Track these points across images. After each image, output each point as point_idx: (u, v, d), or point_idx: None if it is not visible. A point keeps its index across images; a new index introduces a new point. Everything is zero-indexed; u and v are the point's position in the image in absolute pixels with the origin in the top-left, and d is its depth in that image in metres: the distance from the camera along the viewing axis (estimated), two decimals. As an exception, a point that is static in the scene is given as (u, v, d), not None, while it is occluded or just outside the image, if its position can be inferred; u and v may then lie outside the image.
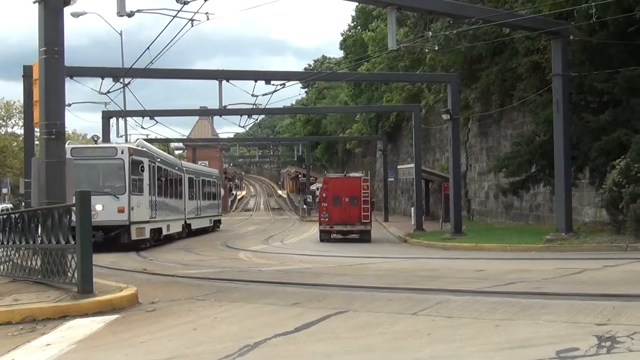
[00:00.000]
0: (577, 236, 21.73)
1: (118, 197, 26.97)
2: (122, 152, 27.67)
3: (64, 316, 9.16)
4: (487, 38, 32.43)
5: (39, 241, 11.93)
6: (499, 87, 35.81)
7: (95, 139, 30.34)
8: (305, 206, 72.78)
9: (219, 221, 51.98)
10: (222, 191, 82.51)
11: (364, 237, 33.45)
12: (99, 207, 25.12)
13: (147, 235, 29.12)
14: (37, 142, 19.26)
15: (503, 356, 5.97)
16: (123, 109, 35.82)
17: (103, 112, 37.71)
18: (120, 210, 26.94)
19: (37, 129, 14.75)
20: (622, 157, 20.49)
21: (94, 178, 26.99)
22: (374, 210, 38.95)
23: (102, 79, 28.08)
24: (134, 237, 27.56)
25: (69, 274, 10.62)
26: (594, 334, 6.40)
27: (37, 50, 12.34)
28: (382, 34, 50.86)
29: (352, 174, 38.82)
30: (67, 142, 26.03)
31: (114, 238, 26.86)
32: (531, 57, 30.49)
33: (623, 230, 20.53)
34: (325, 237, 34.01)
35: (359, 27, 75.20)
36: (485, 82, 36.83)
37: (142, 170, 28.72)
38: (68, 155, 21.86)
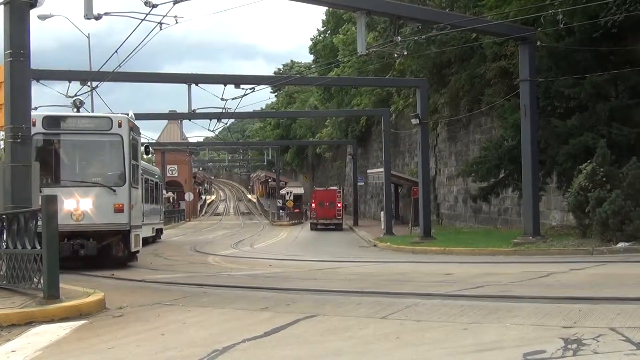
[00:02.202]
0: (544, 240, 21.95)
1: (114, 190, 19.13)
2: (120, 125, 19.52)
3: (29, 322, 9.03)
4: (456, 43, 32.69)
5: (4, 246, 11.76)
6: (467, 92, 36.12)
7: (78, 104, 21.07)
8: (281, 211, 72.13)
9: (161, 230, 42.61)
10: (193, 195, 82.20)
11: (338, 227, 51.36)
12: (86, 205, 18.70)
13: (140, 245, 22.09)
14: (2, 146, 18.55)
15: (471, 359, 6.01)
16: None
17: (70, 115, 37.21)
18: (118, 209, 19.12)
19: (2, 133, 14.53)
20: (589, 161, 20.76)
21: (78, 161, 20.14)
22: (345, 211, 56.12)
23: (70, 82, 27.79)
24: (133, 247, 20.12)
25: (34, 279, 10.48)
26: (560, 336, 6.47)
27: (2, 53, 12.18)
28: (353, 37, 51.01)
29: (331, 188, 57.25)
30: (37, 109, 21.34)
31: (106, 249, 19.55)
32: (499, 63, 30.81)
33: (589, 233, 20.78)
34: (314, 227, 52.23)
35: (329, 32, 75.40)
36: (454, 87, 37.13)
37: (148, 153, 22.52)
38: (39, 128, 18.39)
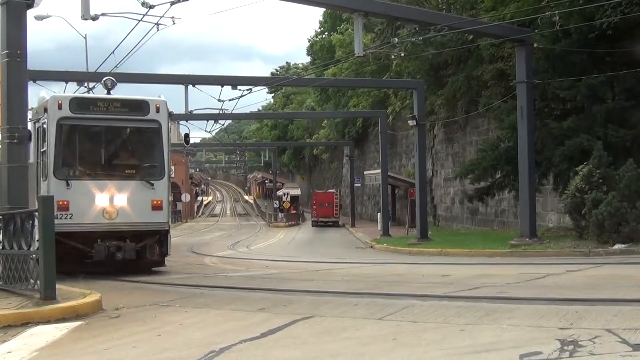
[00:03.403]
0: (540, 241, 21.97)
1: (152, 184, 16.72)
2: (158, 110, 17.01)
3: (26, 323, 9.01)
4: (453, 45, 32.72)
5: (1, 247, 11.74)
6: (464, 94, 36.14)
7: (109, 84, 17.46)
8: (279, 213, 72.10)
9: None
10: (190, 197, 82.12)
11: (335, 224, 59.04)
12: (120, 201, 16.36)
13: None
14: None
15: (467, 360, 6.01)
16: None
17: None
18: (156, 206, 16.78)
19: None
20: (585, 163, 20.79)
21: (110, 150, 17.63)
22: (341, 210, 63.35)
23: (66, 83, 27.76)
24: (169, 249, 17.95)
25: (31, 280, 10.47)
26: (556, 338, 6.47)
27: (-1, 54, 12.17)
28: (350, 37, 51.07)
29: (329, 190, 67.05)
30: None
31: (140, 252, 16.83)
32: (496, 65, 30.84)
33: (585, 235, 20.80)
34: (315, 224, 60.39)
35: (326, 33, 75.42)
36: (451, 88, 37.14)
37: (187, 142, 20.81)
38: (65, 111, 16.07)
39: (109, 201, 16.27)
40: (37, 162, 16.58)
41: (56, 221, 14.67)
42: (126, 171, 17.15)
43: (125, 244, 16.23)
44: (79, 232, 15.89)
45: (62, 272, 13.78)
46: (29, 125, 16.27)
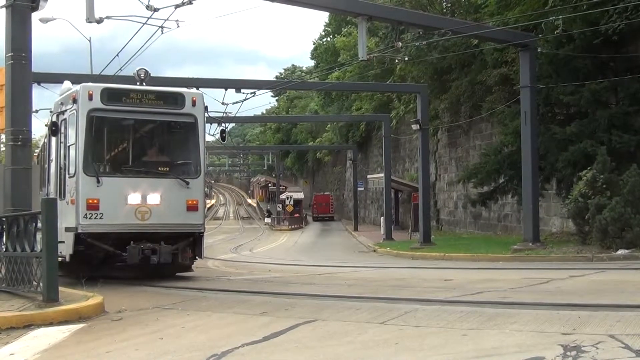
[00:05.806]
0: (544, 246, 21.93)
1: (188, 183, 15.65)
2: (195, 104, 15.95)
3: (28, 325, 9.02)
4: (457, 50, 32.72)
5: (4, 249, 11.76)
6: (468, 98, 36.12)
7: (143, 75, 16.30)
8: (268, 219, 73.45)
9: None
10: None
11: (331, 219, 75.37)
12: (153, 199, 15.30)
13: None
14: (2, 149, 16.63)
15: (470, 365, 6.00)
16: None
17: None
18: (192, 207, 15.69)
19: (2, 135, 14.47)
20: (588, 168, 20.75)
21: (143, 145, 16.69)
22: (334, 208, 78.57)
23: (71, 85, 27.74)
24: (203, 253, 16.71)
25: (34, 282, 10.49)
26: (559, 343, 6.46)
27: (3, 56, 12.21)
28: (355, 40, 51.12)
29: (325, 193, 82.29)
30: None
31: (173, 256, 15.58)
32: (500, 69, 30.82)
33: (589, 240, 20.75)
34: (315, 219, 75.43)
35: (330, 36, 75.57)
36: (455, 93, 37.13)
37: (224, 139, 19.49)
38: (96, 102, 14.96)
39: (142, 200, 15.20)
40: (62, 157, 15.57)
41: (86, 221, 14.52)
42: (160, 168, 16.02)
43: (162, 247, 15.07)
44: (110, 234, 14.92)
45: (88, 278, 13.75)
46: (53, 118, 15.83)
